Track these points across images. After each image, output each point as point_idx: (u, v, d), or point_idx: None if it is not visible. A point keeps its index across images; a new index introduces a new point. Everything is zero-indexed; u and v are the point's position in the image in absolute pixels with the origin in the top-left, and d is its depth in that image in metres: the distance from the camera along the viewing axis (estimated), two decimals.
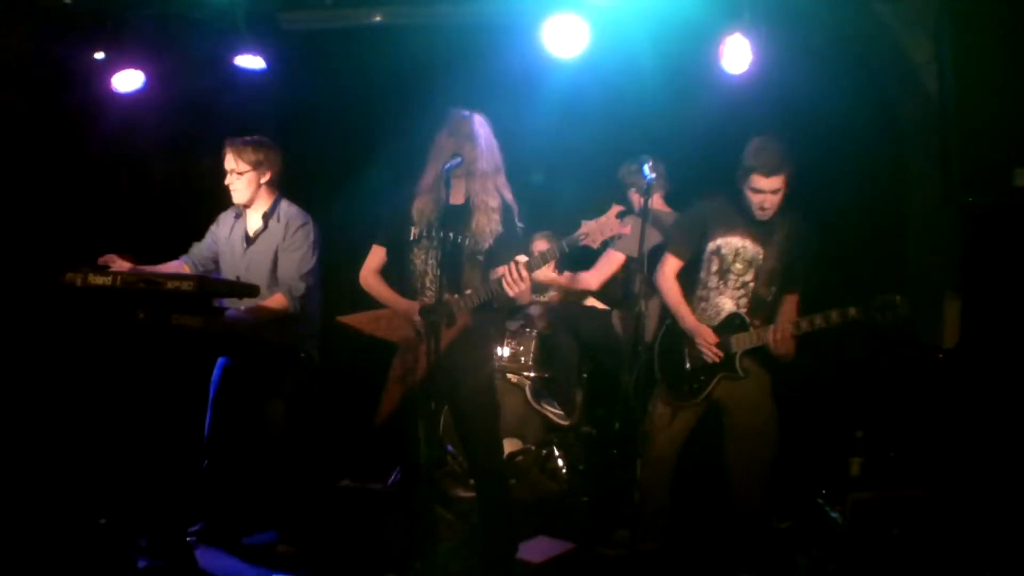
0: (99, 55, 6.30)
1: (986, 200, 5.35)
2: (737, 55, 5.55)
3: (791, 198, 4.92)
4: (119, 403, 5.57)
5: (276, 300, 4.97)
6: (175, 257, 5.33)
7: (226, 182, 5.10)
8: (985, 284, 5.55)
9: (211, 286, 4.74)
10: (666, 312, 5.13)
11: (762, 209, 4.86)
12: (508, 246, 4.63)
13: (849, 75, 5.80)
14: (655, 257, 5.14)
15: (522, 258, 4.44)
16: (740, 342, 4.90)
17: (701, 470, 5.32)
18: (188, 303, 4.63)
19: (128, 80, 6.26)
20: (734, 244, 4.97)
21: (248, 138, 5.09)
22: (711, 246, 5.00)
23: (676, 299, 5.04)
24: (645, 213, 4.79)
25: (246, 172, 5.04)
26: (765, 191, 4.83)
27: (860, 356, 5.79)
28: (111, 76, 6.26)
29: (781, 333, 4.78)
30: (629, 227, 4.38)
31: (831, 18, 5.79)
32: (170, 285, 4.56)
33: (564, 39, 5.68)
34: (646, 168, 4.62)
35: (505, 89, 5.87)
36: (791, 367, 5.00)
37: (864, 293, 5.59)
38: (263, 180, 5.10)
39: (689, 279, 5.10)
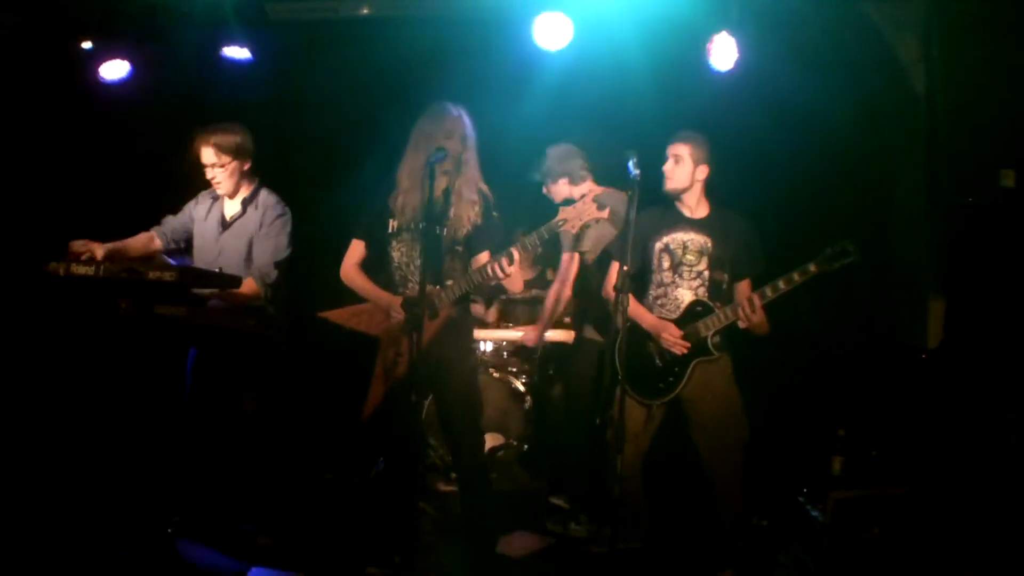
0: (86, 44, 6.28)
1: (972, 201, 5.37)
2: (724, 52, 5.59)
3: (718, 192, 5.09)
4: (101, 393, 5.58)
5: (247, 286, 4.94)
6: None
7: (208, 176, 5.07)
8: (969, 284, 5.55)
9: (193, 276, 4.72)
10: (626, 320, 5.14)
11: (664, 177, 5.04)
12: (487, 236, 4.67)
13: (836, 74, 5.80)
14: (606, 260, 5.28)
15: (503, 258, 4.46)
16: (709, 325, 4.94)
17: (674, 467, 5.34)
18: (170, 293, 4.60)
19: (114, 69, 6.25)
20: (680, 238, 5.07)
21: (222, 126, 5.04)
22: (658, 246, 5.08)
23: (631, 306, 5.00)
24: (632, 211, 4.74)
25: (228, 163, 5.02)
26: (668, 156, 5.04)
27: (841, 353, 5.80)
28: (98, 65, 6.24)
29: (749, 304, 4.81)
30: (607, 212, 4.39)
31: (818, 17, 5.78)
32: (152, 275, 4.53)
33: (551, 33, 5.72)
34: (631, 164, 4.60)
35: (492, 84, 5.90)
36: (765, 353, 5.05)
37: (848, 292, 5.71)
38: (245, 168, 5.08)
39: (640, 282, 5.15)
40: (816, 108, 5.81)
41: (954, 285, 5.71)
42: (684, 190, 5.05)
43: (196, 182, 5.23)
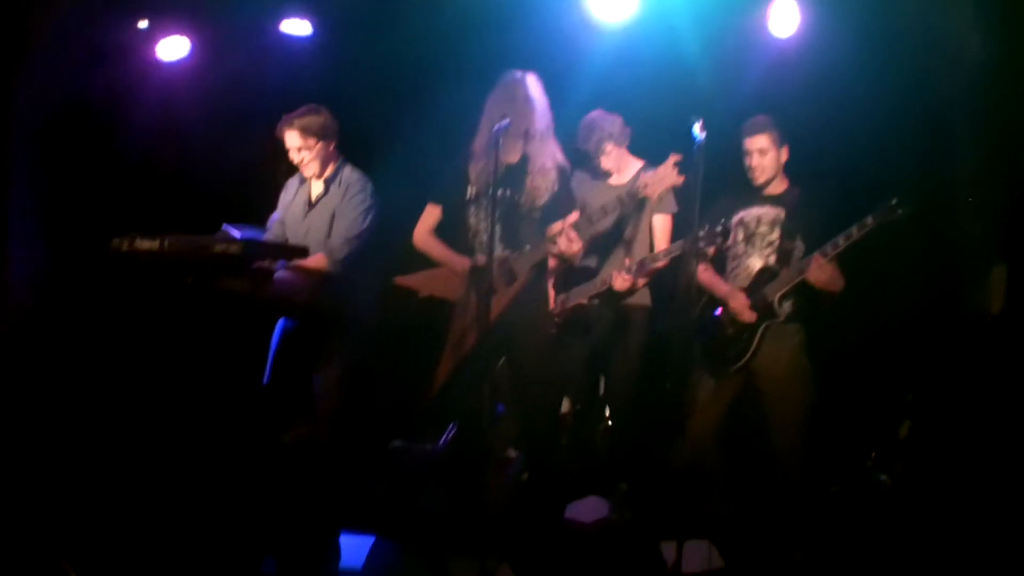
0: (142, 24, 6.31)
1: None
2: (784, 19, 5.58)
3: (797, 170, 5.11)
4: (169, 369, 5.61)
5: (316, 260, 4.92)
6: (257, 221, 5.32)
7: (296, 160, 5.08)
8: None
9: (258, 248, 4.74)
10: (701, 291, 5.16)
11: (751, 170, 5.07)
12: (563, 204, 4.68)
13: (896, 39, 5.74)
14: None
15: (572, 217, 4.46)
16: (775, 289, 4.96)
17: (745, 449, 5.32)
18: (236, 266, 4.62)
19: (173, 48, 6.26)
20: (755, 213, 5.12)
21: (307, 109, 5.06)
22: (734, 221, 5.11)
23: (707, 276, 5.14)
24: (697, 177, 4.71)
25: (314, 145, 5.03)
26: (751, 151, 5.05)
27: (907, 319, 5.77)
28: (155, 45, 6.27)
29: (815, 262, 4.83)
30: (683, 177, 4.37)
31: None
32: (217, 248, 4.55)
33: (612, 4, 5.69)
34: (696, 128, 4.57)
35: (555, 50, 5.83)
36: (833, 321, 5.02)
37: (909, 260, 5.68)
38: (330, 148, 5.09)
39: (719, 256, 5.20)
40: (874, 74, 5.76)
41: (1016, 250, 5.66)
42: (774, 178, 5.09)
43: (261, 163, 5.24)
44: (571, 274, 5.42)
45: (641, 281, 5.37)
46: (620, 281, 5.32)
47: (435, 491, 5.37)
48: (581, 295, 5.49)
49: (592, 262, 5.48)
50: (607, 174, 5.58)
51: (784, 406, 4.97)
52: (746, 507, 5.07)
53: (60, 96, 6.14)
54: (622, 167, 5.59)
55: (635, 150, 5.64)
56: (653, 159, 5.17)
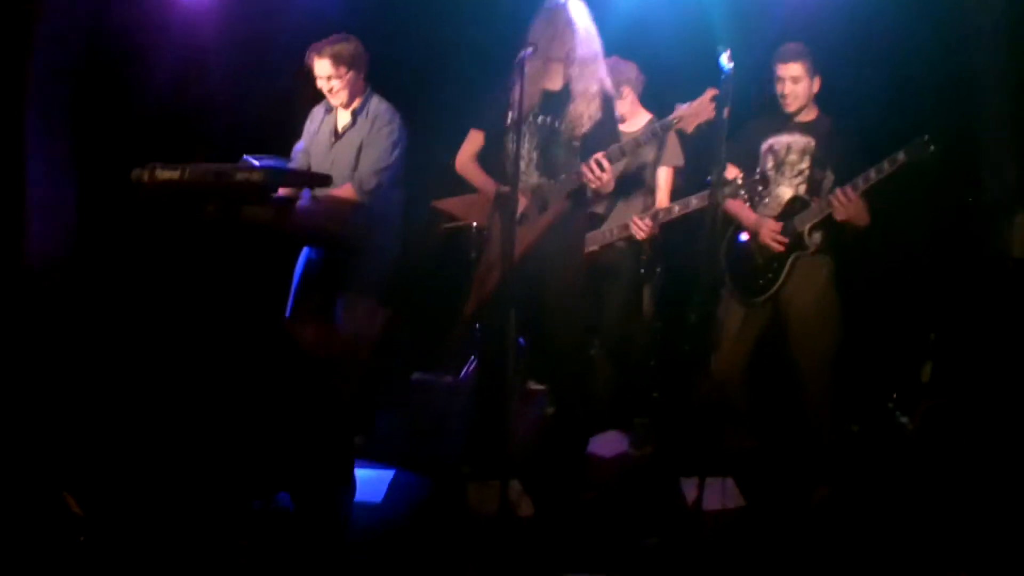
0: None
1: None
2: None
3: (827, 101, 5.05)
4: (191, 300, 5.58)
5: (344, 190, 4.93)
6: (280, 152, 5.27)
7: (324, 89, 5.04)
8: None
9: (281, 176, 4.69)
10: (728, 219, 5.13)
11: (783, 97, 5.01)
12: (606, 133, 4.60)
13: None
14: None
15: (599, 155, 4.40)
16: (805, 219, 4.91)
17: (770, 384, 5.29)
18: (258, 195, 4.55)
19: None
20: (784, 140, 5.06)
21: (338, 37, 5.03)
22: (763, 148, 5.08)
23: (735, 205, 5.09)
24: (723, 110, 4.64)
25: (345, 74, 5.00)
26: (784, 78, 4.98)
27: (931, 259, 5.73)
28: None
29: (844, 195, 4.76)
30: (727, 111, 4.30)
31: None
32: (239, 176, 4.46)
33: None
34: (724, 59, 4.50)
35: None
36: (857, 257, 5.00)
37: (934, 201, 5.63)
38: (361, 78, 5.07)
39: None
40: (908, 9, 5.70)
41: None
42: (805, 107, 5.03)
43: (287, 94, 5.18)
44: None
45: (657, 228, 5.33)
46: (640, 228, 5.28)
47: (456, 424, 5.36)
48: (594, 242, 5.39)
49: (601, 208, 5.43)
50: (620, 119, 5.50)
51: (811, 340, 4.94)
52: (769, 443, 5.06)
53: (81, 30, 6.10)
54: (634, 116, 5.55)
55: (655, 98, 5.58)
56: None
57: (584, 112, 4.56)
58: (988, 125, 5.92)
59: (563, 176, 4.55)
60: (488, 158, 4.78)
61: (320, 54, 5.00)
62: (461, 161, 4.81)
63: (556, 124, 4.59)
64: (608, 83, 4.67)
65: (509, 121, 4.62)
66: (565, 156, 4.60)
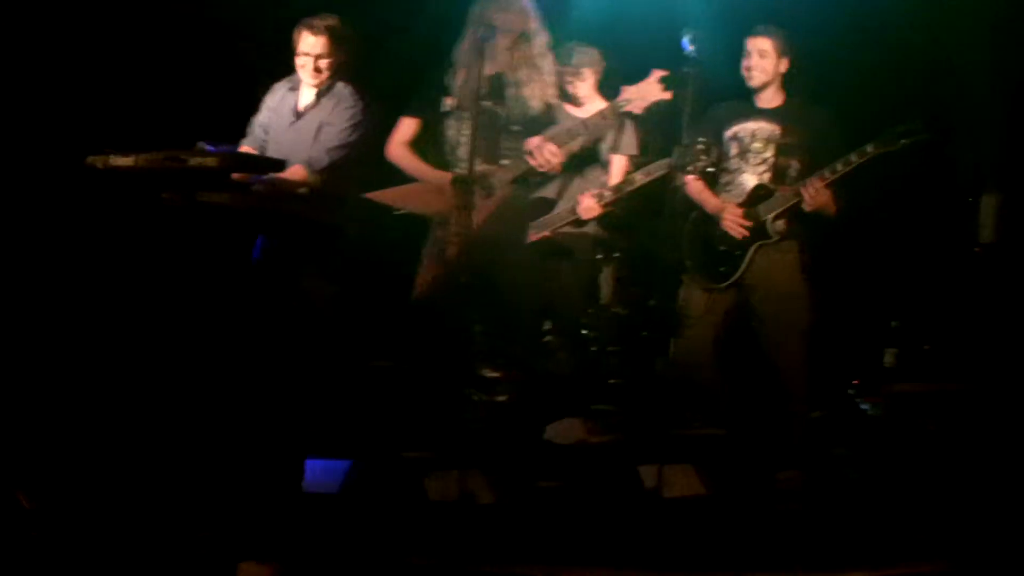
0: None
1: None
2: None
3: (796, 83, 4.99)
4: (151, 287, 5.53)
5: (294, 171, 4.81)
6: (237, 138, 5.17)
7: (309, 65, 4.88)
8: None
9: (235, 161, 4.65)
10: (691, 204, 5.08)
11: (748, 71, 4.93)
12: (550, 116, 4.59)
13: None
14: None
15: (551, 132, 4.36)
16: (769, 208, 4.86)
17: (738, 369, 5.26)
18: (213, 179, 4.54)
19: None
20: (749, 127, 4.99)
21: (328, 15, 4.88)
22: (728, 134, 5.01)
23: (696, 188, 5.03)
24: (686, 93, 4.59)
25: (336, 53, 4.86)
26: (751, 51, 4.91)
27: (896, 244, 5.73)
28: None
29: (812, 186, 4.73)
30: (671, 93, 4.28)
31: None
32: (193, 162, 4.45)
33: None
34: (686, 41, 4.47)
35: None
36: (823, 243, 4.96)
37: (906, 185, 5.62)
38: (343, 59, 4.92)
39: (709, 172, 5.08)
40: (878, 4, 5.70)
41: (1009, 181, 5.65)
42: (768, 84, 4.95)
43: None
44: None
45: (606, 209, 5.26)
46: (586, 208, 5.21)
47: (414, 411, 5.31)
48: (546, 226, 5.30)
49: (551, 192, 5.39)
50: (576, 100, 5.42)
51: (778, 324, 4.88)
52: (734, 429, 5.02)
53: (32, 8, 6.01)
54: (590, 101, 5.41)
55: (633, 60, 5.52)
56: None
57: (534, 94, 4.53)
58: (959, 112, 5.92)
59: (506, 162, 4.50)
60: (419, 144, 4.71)
61: (316, 31, 4.84)
62: (393, 149, 4.75)
63: (497, 110, 4.55)
64: (550, 65, 4.63)
65: (446, 106, 4.58)
66: (508, 141, 4.56)
